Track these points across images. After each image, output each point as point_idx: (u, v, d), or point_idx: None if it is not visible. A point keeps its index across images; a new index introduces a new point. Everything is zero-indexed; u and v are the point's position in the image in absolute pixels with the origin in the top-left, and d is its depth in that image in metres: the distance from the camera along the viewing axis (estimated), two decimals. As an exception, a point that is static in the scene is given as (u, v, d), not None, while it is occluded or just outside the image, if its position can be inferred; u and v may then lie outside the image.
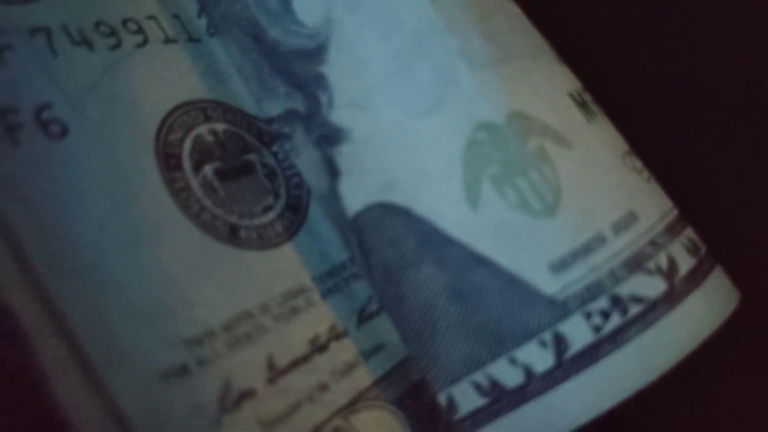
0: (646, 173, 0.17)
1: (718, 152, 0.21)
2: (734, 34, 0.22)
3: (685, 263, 0.16)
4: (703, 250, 0.17)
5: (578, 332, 0.15)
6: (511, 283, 0.15)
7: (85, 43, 0.17)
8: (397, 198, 0.16)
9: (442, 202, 0.16)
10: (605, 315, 0.15)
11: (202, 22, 0.19)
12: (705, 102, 0.21)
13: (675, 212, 0.17)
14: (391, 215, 0.16)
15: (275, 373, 0.16)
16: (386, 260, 0.17)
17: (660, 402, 0.18)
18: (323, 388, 0.16)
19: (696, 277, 0.16)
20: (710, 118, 0.21)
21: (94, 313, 0.14)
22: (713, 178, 0.21)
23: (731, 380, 0.20)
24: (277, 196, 0.18)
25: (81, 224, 0.15)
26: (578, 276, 0.15)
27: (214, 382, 0.15)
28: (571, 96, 0.17)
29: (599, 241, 0.15)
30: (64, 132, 0.16)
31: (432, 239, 0.16)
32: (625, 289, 0.15)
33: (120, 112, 0.17)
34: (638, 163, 0.17)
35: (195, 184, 0.17)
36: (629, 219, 0.16)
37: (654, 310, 0.15)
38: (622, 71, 0.21)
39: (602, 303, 0.15)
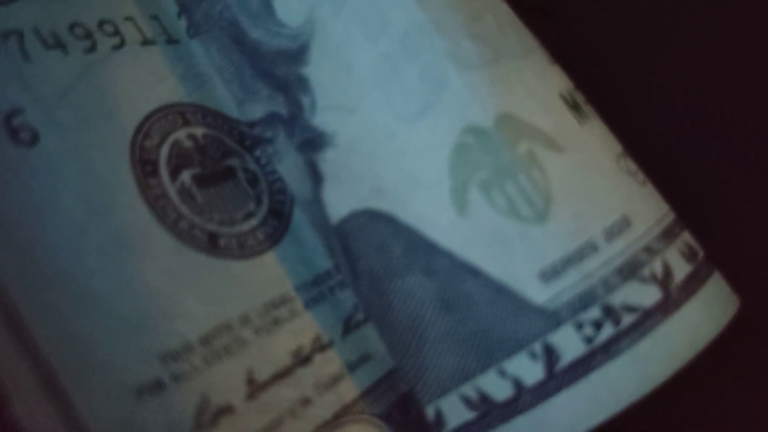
0: (641, 176, 0.17)
1: (717, 152, 0.20)
2: (733, 30, 0.21)
3: (681, 269, 0.15)
4: (700, 255, 0.16)
5: (569, 343, 0.14)
6: (501, 292, 0.15)
7: (59, 46, 0.16)
8: (384, 204, 0.16)
9: (430, 209, 0.15)
10: (597, 325, 0.14)
11: (182, 23, 0.18)
12: (704, 100, 0.21)
13: (671, 216, 0.17)
14: (378, 222, 0.16)
15: (255, 387, 0.15)
16: (372, 268, 0.16)
17: (656, 410, 0.18)
18: (306, 402, 0.15)
19: (693, 284, 0.16)
20: (709, 117, 0.21)
21: (65, 326, 0.14)
22: (712, 179, 0.20)
23: (730, 388, 0.19)
24: (259, 202, 0.17)
25: (55, 234, 0.15)
26: (569, 284, 0.15)
27: (190, 398, 0.14)
28: (563, 97, 0.16)
29: (591, 247, 0.15)
30: (35, 139, 0.15)
31: (419, 247, 0.15)
32: (618, 298, 0.15)
33: (95, 118, 0.16)
34: (633, 166, 0.17)
35: (172, 191, 0.16)
36: (623, 224, 0.15)
37: (648, 319, 0.15)
38: (617, 69, 0.21)
39: (594, 313, 0.15)
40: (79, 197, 0.15)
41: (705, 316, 0.15)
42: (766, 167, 0.20)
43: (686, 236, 0.16)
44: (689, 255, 0.16)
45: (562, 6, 0.22)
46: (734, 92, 0.21)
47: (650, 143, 0.18)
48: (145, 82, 0.17)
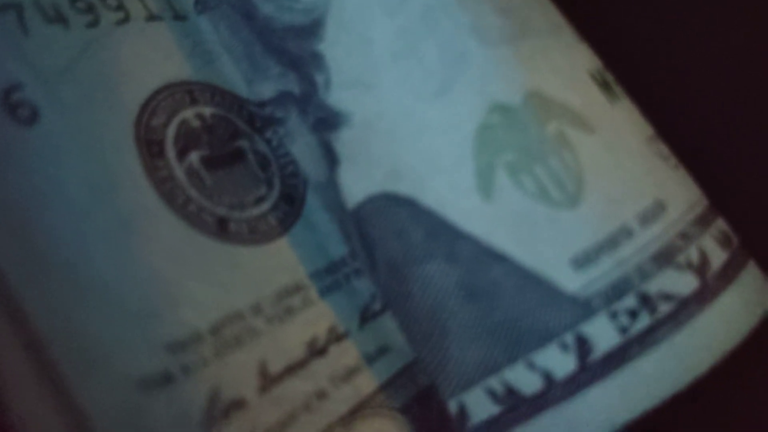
0: (673, 160, 0.16)
1: (749, 137, 0.20)
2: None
3: (718, 257, 0.15)
4: (735, 242, 0.16)
5: (603, 334, 0.14)
6: (529, 279, 0.14)
7: (61, 20, 0.15)
8: (402, 188, 0.15)
9: (453, 192, 0.15)
10: (633, 314, 0.14)
11: (189, -2, 0.17)
12: (737, 84, 0.20)
13: (705, 202, 0.16)
14: (397, 206, 0.15)
15: (268, 380, 0.14)
16: (391, 255, 0.15)
17: (689, 403, 0.17)
18: (321, 395, 0.15)
19: (729, 272, 0.15)
20: (740, 102, 0.20)
21: (68, 315, 0.13)
22: (745, 166, 0.19)
23: (763, 383, 0.18)
24: (270, 186, 0.16)
25: (57, 218, 0.14)
26: (603, 272, 0.14)
27: (200, 391, 0.13)
28: (592, 75, 0.15)
29: (625, 233, 0.14)
30: (35, 116, 0.14)
31: (441, 232, 0.15)
32: (653, 286, 0.14)
33: (98, 95, 0.15)
34: (665, 149, 0.16)
35: (179, 173, 0.15)
36: (657, 209, 0.14)
37: (686, 308, 0.14)
38: (647, 49, 0.20)
39: (629, 301, 0.14)
40: (81, 179, 0.14)
41: (742, 305, 0.15)
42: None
43: (720, 223, 0.16)
44: (724, 242, 0.15)
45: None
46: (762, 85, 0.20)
47: (682, 126, 0.18)
48: (150, 58, 0.16)
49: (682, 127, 0.18)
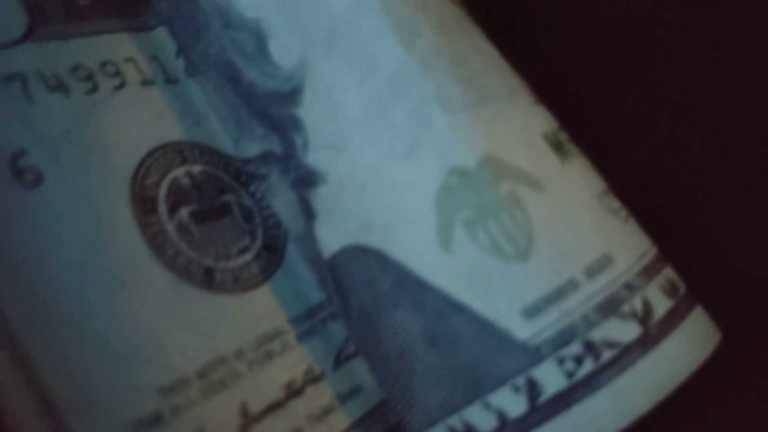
0: (624, 212, 0.17)
1: (706, 181, 0.21)
2: (711, 73, 0.21)
3: (662, 305, 0.16)
4: (681, 290, 0.17)
5: (551, 377, 0.15)
6: (485, 328, 0.15)
7: (62, 88, 0.17)
8: (372, 240, 0.16)
9: (417, 246, 0.16)
10: (578, 360, 0.15)
11: (180, 63, 0.19)
12: (693, 129, 0.21)
13: (653, 252, 0.17)
14: (367, 257, 0.16)
15: (249, 420, 0.16)
16: (362, 302, 0.17)
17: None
18: (298, 433, 0.16)
19: (673, 319, 0.16)
20: (698, 147, 0.21)
21: (69, 361, 0.14)
22: (701, 210, 0.21)
23: (713, 418, 0.20)
24: (253, 237, 0.18)
25: (58, 272, 0.15)
26: (551, 321, 0.15)
27: (187, 431, 0.15)
28: (546, 137, 0.17)
29: (572, 285, 0.15)
30: (39, 180, 0.16)
31: (407, 283, 0.16)
32: (598, 334, 0.15)
33: (96, 157, 0.17)
34: (616, 203, 0.17)
35: (170, 227, 0.17)
36: (603, 262, 0.16)
37: (628, 354, 0.15)
38: (604, 102, 0.21)
39: (575, 348, 0.15)
40: (79, 236, 0.16)
41: (685, 350, 0.16)
42: (750, 197, 0.21)
43: (668, 272, 0.17)
44: (670, 290, 0.16)
45: (551, 40, 0.22)
46: (722, 120, 0.21)
47: (635, 176, 0.19)
48: (144, 121, 0.18)
49: (636, 176, 0.20)
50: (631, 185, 0.18)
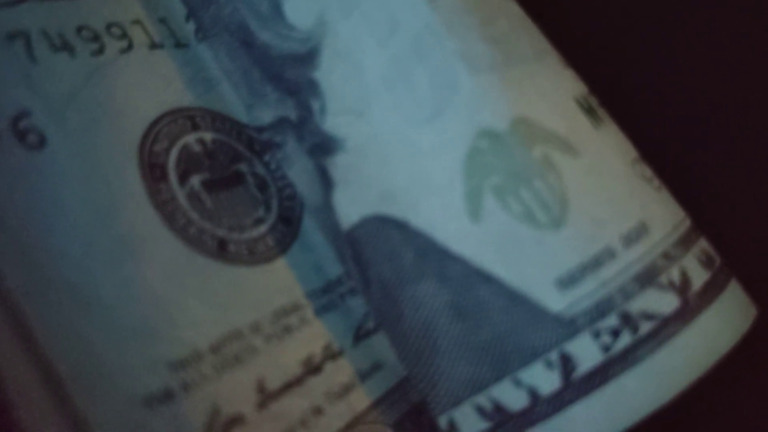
0: (656, 181, 0.16)
1: (733, 158, 0.20)
2: (752, 34, 0.21)
3: (699, 277, 0.15)
4: (717, 262, 0.16)
5: (587, 352, 0.14)
6: (516, 299, 0.14)
7: (67, 48, 0.16)
8: (394, 210, 0.15)
9: (442, 215, 0.15)
10: (615, 333, 0.14)
11: (190, 26, 0.18)
12: (721, 104, 0.20)
13: (688, 223, 0.16)
14: (389, 228, 0.16)
15: (266, 397, 0.15)
16: (384, 275, 0.16)
17: (673, 420, 0.17)
18: (317, 412, 0.15)
19: (711, 292, 0.15)
20: (725, 122, 0.20)
21: (73, 335, 0.14)
22: (728, 187, 0.20)
23: (747, 397, 0.19)
24: (268, 208, 0.17)
25: (62, 240, 0.14)
26: (586, 292, 0.14)
27: (200, 408, 0.14)
28: (577, 101, 0.16)
29: (609, 254, 0.15)
30: (43, 142, 0.15)
31: (431, 253, 0.15)
32: (635, 306, 0.14)
33: (103, 121, 0.16)
34: (648, 171, 0.16)
35: (181, 196, 0.16)
36: (640, 230, 0.15)
37: (666, 327, 0.14)
38: (631, 72, 0.21)
39: (612, 321, 0.14)
40: (86, 202, 0.15)
41: (723, 324, 0.15)
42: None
43: (703, 243, 0.16)
44: (707, 262, 0.16)
45: (576, 8, 0.21)
46: (754, 95, 0.20)
47: (665, 149, 0.18)
48: (153, 85, 0.17)
49: (668, 148, 0.19)
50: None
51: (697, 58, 0.21)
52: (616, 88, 0.18)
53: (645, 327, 0.14)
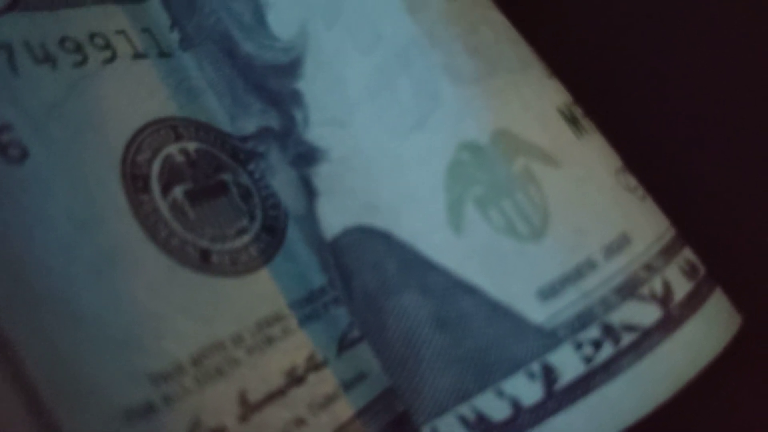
0: (640, 191, 0.16)
1: (720, 165, 0.20)
2: (751, 34, 0.21)
3: (682, 288, 0.15)
4: (701, 272, 0.16)
5: (568, 363, 0.14)
6: (498, 311, 0.14)
7: (49, 60, 0.16)
8: (378, 221, 0.15)
9: (425, 226, 0.15)
10: (597, 345, 0.14)
11: (174, 36, 0.18)
12: (720, 104, 0.20)
13: (672, 232, 0.16)
14: (372, 239, 0.16)
15: (248, 408, 0.15)
16: (367, 286, 0.16)
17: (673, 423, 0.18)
18: (300, 422, 0.15)
19: (694, 302, 0.15)
20: (712, 129, 0.20)
21: (54, 345, 0.14)
22: (715, 193, 0.20)
23: (732, 405, 0.19)
24: (252, 217, 0.17)
25: (45, 252, 0.14)
26: (568, 303, 0.14)
27: (181, 421, 0.14)
28: (560, 111, 0.16)
29: (590, 265, 0.15)
30: (25, 155, 0.15)
31: (414, 265, 0.15)
32: (617, 317, 0.14)
33: (85, 133, 0.16)
34: (632, 181, 0.16)
35: (163, 207, 0.16)
36: (622, 241, 0.15)
37: (648, 338, 0.14)
38: (617, 82, 0.21)
39: (593, 332, 0.14)
40: (68, 214, 0.15)
41: (706, 334, 0.15)
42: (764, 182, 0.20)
43: (687, 253, 0.16)
44: (690, 272, 0.16)
45: (561, 17, 0.21)
46: (738, 102, 0.20)
47: (652, 155, 0.18)
48: (136, 95, 0.17)
49: (655, 155, 0.19)
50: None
51: (696, 58, 0.21)
52: (603, 96, 0.18)
53: (627, 338, 0.14)
